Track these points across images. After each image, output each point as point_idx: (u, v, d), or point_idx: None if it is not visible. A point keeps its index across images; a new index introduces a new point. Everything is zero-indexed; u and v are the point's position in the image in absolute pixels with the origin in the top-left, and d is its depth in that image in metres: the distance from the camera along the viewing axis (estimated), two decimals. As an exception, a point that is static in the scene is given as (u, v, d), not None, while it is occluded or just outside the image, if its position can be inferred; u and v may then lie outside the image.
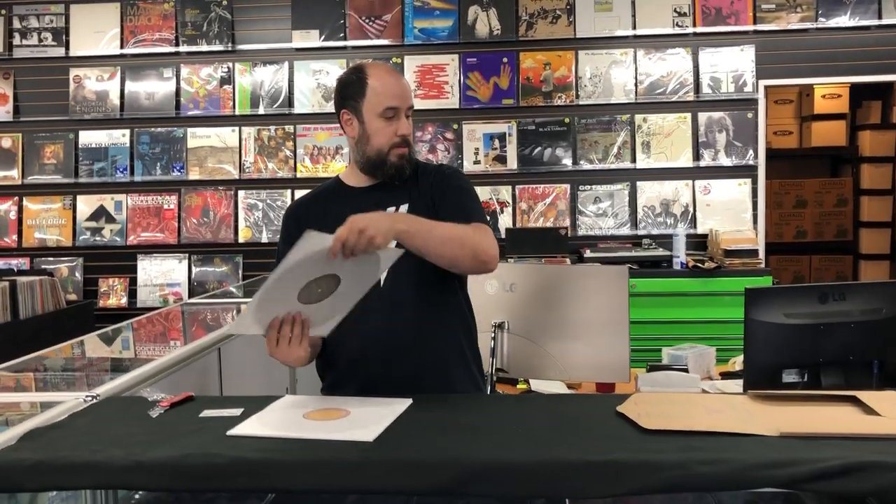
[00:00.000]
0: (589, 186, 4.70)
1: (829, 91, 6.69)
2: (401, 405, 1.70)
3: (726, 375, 2.84)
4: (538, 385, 2.60)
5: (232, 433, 1.56)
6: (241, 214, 4.80)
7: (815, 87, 6.59)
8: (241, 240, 4.79)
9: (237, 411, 1.73)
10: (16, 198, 4.90)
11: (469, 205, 1.88)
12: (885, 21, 4.60)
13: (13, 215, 4.89)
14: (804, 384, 2.43)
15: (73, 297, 4.80)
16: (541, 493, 1.37)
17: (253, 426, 1.62)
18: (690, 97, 4.66)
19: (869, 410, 1.60)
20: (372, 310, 1.85)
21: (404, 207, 1.87)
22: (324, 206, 1.94)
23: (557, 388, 2.61)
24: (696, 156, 4.66)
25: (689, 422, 1.56)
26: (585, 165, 4.70)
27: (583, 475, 1.36)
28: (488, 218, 1.99)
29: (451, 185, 1.90)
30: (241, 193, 4.81)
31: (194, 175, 4.82)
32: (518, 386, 2.73)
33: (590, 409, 1.72)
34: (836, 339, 2.42)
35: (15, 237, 4.87)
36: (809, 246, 6.88)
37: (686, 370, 2.45)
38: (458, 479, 1.36)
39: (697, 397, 1.77)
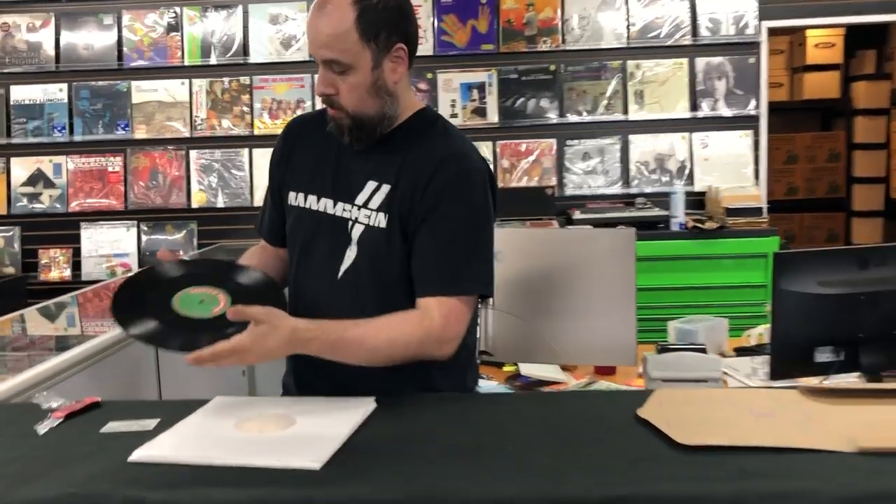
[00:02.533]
0: (577, 141, 4.30)
1: (823, 40, 6.35)
2: (360, 410, 1.33)
3: (741, 351, 2.49)
4: (528, 369, 2.23)
5: (135, 458, 1.18)
6: (194, 177, 4.35)
7: (807, 35, 6.25)
8: (194, 205, 4.35)
9: (150, 423, 1.36)
10: (-58, 161, 4.41)
11: (453, 255, 1.43)
12: (898, -45, 4.20)
13: (-60, 181, 4.40)
14: (840, 364, 2.08)
15: (10, 270, 4.35)
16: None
17: (164, 447, 1.23)
18: (687, 41, 4.25)
19: (966, 412, 1.24)
20: (326, 294, 1.49)
21: (386, 188, 1.48)
22: (317, 144, 1.56)
23: (551, 372, 2.24)
24: (694, 106, 4.28)
25: (737, 433, 1.19)
26: (573, 118, 4.29)
27: (607, 520, 0.99)
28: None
29: (442, 208, 1.43)
30: (192, 153, 4.35)
31: (141, 133, 4.35)
32: (504, 368, 2.36)
33: (600, 412, 1.35)
34: (878, 310, 2.06)
35: (-57, 205, 4.39)
36: (800, 203, 6.60)
37: (703, 350, 2.08)
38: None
39: (738, 395, 1.40)
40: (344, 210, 1.49)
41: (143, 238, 4.37)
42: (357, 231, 1.48)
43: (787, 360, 2.08)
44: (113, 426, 1.36)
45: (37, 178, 4.38)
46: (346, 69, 1.41)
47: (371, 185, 1.48)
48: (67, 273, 4.35)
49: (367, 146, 1.48)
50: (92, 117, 4.35)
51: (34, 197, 4.38)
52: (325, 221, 1.50)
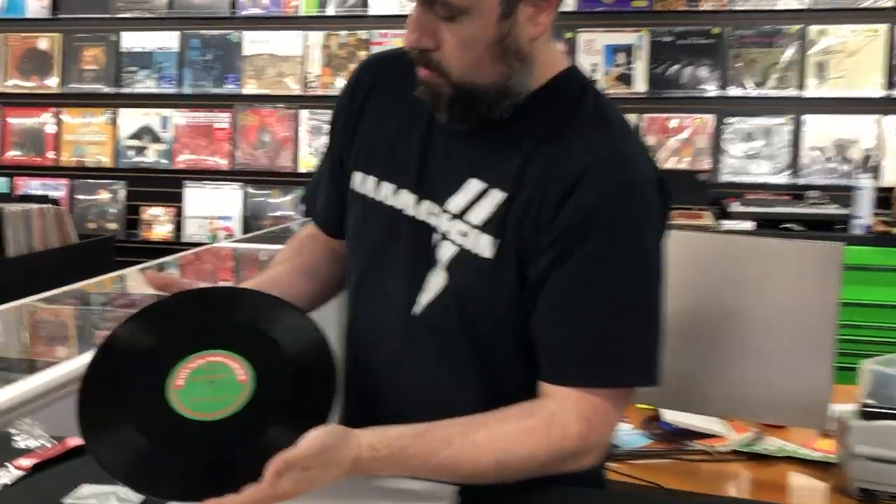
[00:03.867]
0: (739, 119, 3.64)
1: None
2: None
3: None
4: (675, 416, 1.71)
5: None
6: (304, 138, 4.01)
7: None
8: (301, 169, 4.00)
9: (135, 496, 0.96)
10: (54, 109, 4.25)
11: (604, 327, 0.93)
12: None
13: (51, 129, 4.25)
14: None
15: (113, 226, 4.17)
16: None
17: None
18: (888, 2, 3.51)
19: None
20: (397, 335, 1.03)
21: (498, 197, 0.97)
22: (401, 104, 1.06)
23: (703, 420, 1.71)
24: (890, 83, 3.53)
25: None
26: (736, 91, 3.64)
27: None
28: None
29: (589, 247, 0.92)
30: (303, 113, 4.00)
31: (250, 88, 4.03)
32: (639, 405, 1.85)
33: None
34: None
35: (52, 154, 4.25)
36: None
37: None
38: None
39: None
40: (430, 214, 1.01)
41: (249, 201, 4.08)
42: (446, 251, 0.99)
43: None
44: (84, 493, 0.97)
45: (143, 131, 4.16)
46: (458, 14, 0.90)
47: (474, 185, 0.98)
48: (169, 233, 4.12)
49: (475, 127, 0.99)
50: (201, 69, 4.07)
51: (140, 151, 4.17)
52: (404, 226, 1.03)
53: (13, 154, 4.28)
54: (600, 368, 0.93)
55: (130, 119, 4.17)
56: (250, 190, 4.07)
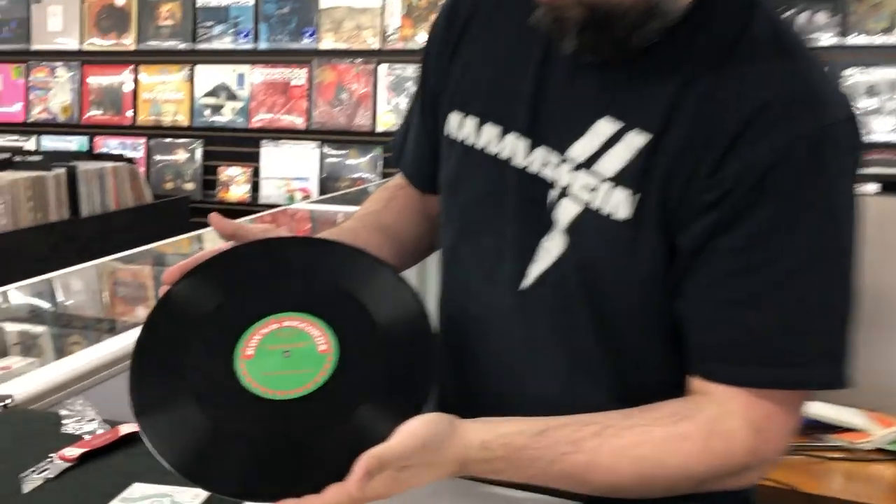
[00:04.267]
0: (859, 69, 3.30)
1: None
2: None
3: None
4: (807, 406, 1.49)
5: None
6: (382, 95, 3.83)
7: None
8: (379, 128, 3.83)
9: (189, 498, 0.82)
10: (131, 66, 4.19)
11: (783, 314, 0.72)
12: None
13: (128, 88, 4.20)
14: None
15: (189, 186, 4.10)
16: None
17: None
18: None
19: None
20: (499, 313, 0.84)
21: (637, 140, 0.75)
22: (509, 34, 0.86)
23: (840, 413, 1.49)
24: None
25: None
26: (857, 39, 3.28)
27: None
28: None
29: (766, 211, 0.71)
30: (382, 68, 3.82)
31: (328, 43, 3.87)
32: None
33: None
34: None
35: (130, 114, 4.19)
36: None
37: None
38: None
39: None
40: (545, 164, 0.81)
41: (325, 162, 3.94)
42: (567, 211, 0.79)
43: None
44: (135, 493, 0.83)
45: (219, 88, 4.06)
46: None
47: (605, 127, 0.77)
48: (246, 194, 4.03)
49: (608, 58, 0.78)
50: (278, 22, 3.93)
51: (216, 109, 4.07)
52: (512, 179, 0.83)
53: (93, 113, 4.25)
54: (777, 366, 0.73)
55: (207, 76, 4.07)
56: (327, 150, 3.93)
